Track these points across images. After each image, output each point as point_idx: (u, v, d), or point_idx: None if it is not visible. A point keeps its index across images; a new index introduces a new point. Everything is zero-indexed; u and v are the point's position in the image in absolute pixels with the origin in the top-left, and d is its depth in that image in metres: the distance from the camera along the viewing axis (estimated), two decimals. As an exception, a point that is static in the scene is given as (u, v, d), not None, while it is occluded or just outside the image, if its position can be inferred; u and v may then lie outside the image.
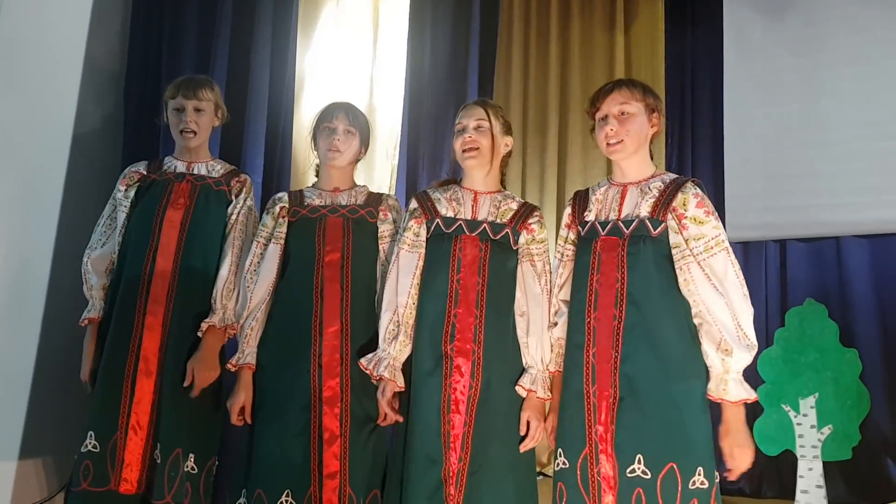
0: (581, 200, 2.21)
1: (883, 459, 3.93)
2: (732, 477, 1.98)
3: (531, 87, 4.39)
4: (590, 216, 2.14)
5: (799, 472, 3.68)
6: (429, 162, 3.83)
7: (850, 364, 3.75)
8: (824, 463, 3.66)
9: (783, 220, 4.34)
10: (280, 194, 2.51)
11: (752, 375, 3.68)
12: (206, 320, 2.38)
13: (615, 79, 2.47)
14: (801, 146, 4.32)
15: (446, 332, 2.14)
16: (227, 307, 2.41)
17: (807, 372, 3.77)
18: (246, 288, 2.37)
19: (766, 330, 4.13)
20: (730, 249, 2.01)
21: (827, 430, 3.68)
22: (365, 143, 2.52)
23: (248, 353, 2.33)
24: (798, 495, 3.65)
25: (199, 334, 2.38)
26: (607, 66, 4.33)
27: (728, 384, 1.94)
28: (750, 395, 1.96)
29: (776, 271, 4.45)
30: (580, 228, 2.15)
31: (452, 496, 2.05)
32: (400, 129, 3.81)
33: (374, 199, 2.46)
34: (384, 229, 2.41)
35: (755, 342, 1.95)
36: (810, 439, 3.69)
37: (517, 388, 2.14)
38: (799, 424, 3.73)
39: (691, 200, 2.04)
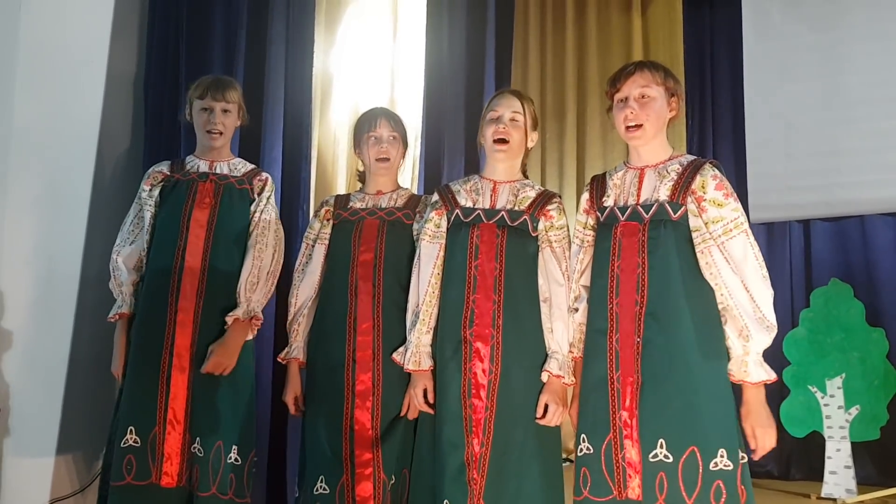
0: (598, 185, 2.20)
1: (911, 439, 3.91)
2: (757, 457, 1.99)
3: (548, 73, 4.37)
4: (608, 201, 2.13)
5: (827, 454, 3.67)
6: (449, 152, 3.83)
7: (876, 344, 3.73)
8: (852, 443, 3.64)
9: (806, 199, 4.31)
10: (328, 198, 2.63)
11: (777, 357, 3.70)
12: (231, 313, 2.45)
13: (636, 60, 2.45)
14: (823, 124, 4.28)
15: (465, 318, 2.18)
16: (252, 300, 2.49)
17: (833, 352, 3.74)
18: (294, 286, 2.51)
19: (791, 311, 4.12)
20: (749, 232, 1.99)
21: (854, 411, 3.66)
22: (406, 144, 2.59)
23: (294, 348, 2.48)
24: (826, 476, 3.64)
25: (225, 327, 2.45)
26: (625, 50, 4.31)
27: (749, 366, 1.95)
28: (770, 375, 1.97)
29: (800, 252, 4.43)
30: (599, 214, 2.15)
31: (476, 480, 2.07)
32: (421, 121, 3.82)
33: (414, 201, 2.53)
34: (418, 228, 2.45)
35: (775, 324, 1.95)
36: (838, 420, 3.67)
37: (544, 373, 2.14)
38: (826, 405, 3.70)
39: (710, 183, 2.02)
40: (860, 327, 3.76)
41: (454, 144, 3.85)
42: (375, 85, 3.92)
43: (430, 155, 3.78)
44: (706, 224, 2.00)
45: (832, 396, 3.71)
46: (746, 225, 2.00)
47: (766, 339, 1.94)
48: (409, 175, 3.81)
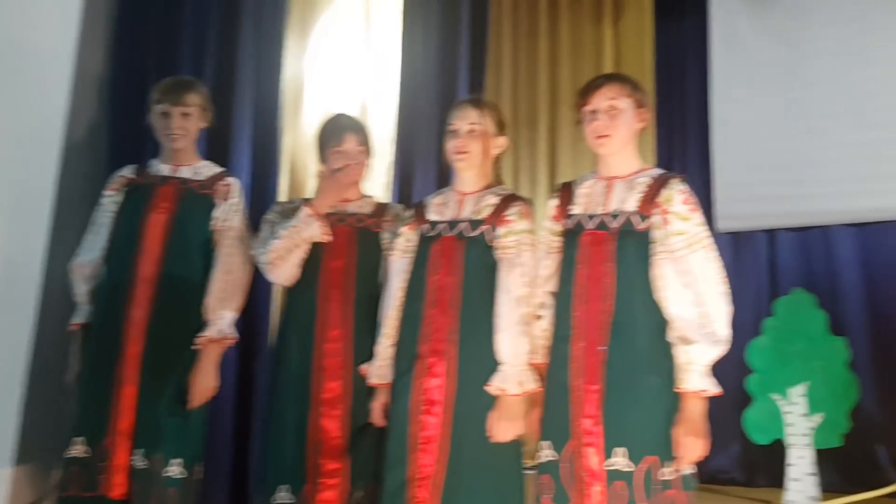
0: (566, 193, 2.22)
1: (873, 446, 3.97)
2: (679, 465, 1.93)
3: (521, 82, 4.41)
4: (576, 209, 2.15)
5: (790, 461, 3.71)
6: (422, 160, 3.83)
7: (838, 352, 3.77)
8: (816, 451, 3.69)
9: (772, 209, 4.37)
10: (296, 199, 2.58)
11: (741, 365, 3.74)
12: (202, 334, 2.37)
13: (604, 73, 2.47)
14: (789, 136, 4.35)
15: (422, 334, 2.16)
16: (225, 316, 2.40)
17: (796, 361, 3.78)
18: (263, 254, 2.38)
19: (755, 319, 4.16)
20: (712, 247, 2.02)
21: (817, 418, 3.70)
22: (371, 151, 2.55)
23: None
24: (790, 483, 3.68)
25: (194, 347, 2.38)
26: (596, 60, 4.36)
27: (688, 374, 1.93)
28: (712, 388, 1.94)
29: (765, 261, 4.48)
30: (566, 221, 2.16)
31: (423, 500, 2.04)
32: (395, 127, 3.81)
33: (381, 210, 2.50)
34: (388, 238, 2.43)
35: (725, 338, 1.95)
36: (800, 427, 3.71)
37: (486, 387, 2.07)
38: (789, 413, 3.75)
39: (677, 197, 2.04)
40: (822, 336, 3.81)
41: (427, 151, 3.86)
42: (348, 91, 3.91)
43: (403, 161, 3.79)
44: (668, 237, 2.02)
45: (795, 404, 3.75)
46: (709, 240, 2.02)
47: (711, 351, 1.93)
48: (382, 181, 3.80)
